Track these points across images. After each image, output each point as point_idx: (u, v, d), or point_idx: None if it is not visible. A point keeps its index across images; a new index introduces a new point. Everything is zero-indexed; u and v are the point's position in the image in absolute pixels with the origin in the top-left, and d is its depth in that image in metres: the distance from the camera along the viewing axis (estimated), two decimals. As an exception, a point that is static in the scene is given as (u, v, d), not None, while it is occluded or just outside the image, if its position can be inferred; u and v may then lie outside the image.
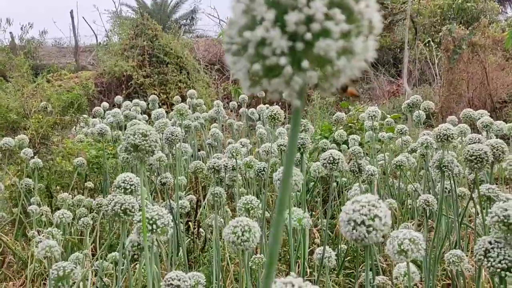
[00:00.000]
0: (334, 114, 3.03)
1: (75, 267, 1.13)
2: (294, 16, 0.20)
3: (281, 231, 0.26)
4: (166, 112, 3.76)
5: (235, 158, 1.47)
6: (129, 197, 0.98)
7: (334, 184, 2.53)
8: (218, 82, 8.67)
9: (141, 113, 3.93)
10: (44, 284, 1.88)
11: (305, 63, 0.21)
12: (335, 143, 3.02)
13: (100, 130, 2.25)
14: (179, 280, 0.93)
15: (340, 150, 2.93)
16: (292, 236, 1.56)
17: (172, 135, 1.50)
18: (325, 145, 2.69)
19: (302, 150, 1.21)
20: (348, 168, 1.92)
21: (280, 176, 0.96)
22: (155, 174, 2.25)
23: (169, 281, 0.93)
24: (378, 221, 0.62)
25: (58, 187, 2.73)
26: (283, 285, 0.49)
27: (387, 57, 11.07)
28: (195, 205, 2.02)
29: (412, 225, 2.16)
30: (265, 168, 1.53)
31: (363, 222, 0.62)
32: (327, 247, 1.17)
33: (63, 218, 1.76)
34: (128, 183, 1.08)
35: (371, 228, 0.62)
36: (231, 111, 4.34)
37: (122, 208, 0.96)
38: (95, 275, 1.70)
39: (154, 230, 0.82)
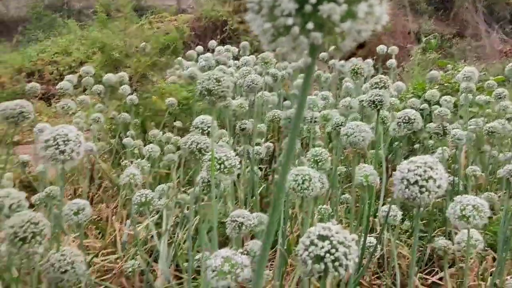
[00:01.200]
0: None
1: (157, 197, 1.25)
2: (300, -20, 0.22)
3: (289, 167, 0.29)
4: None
5: (312, 110, 1.49)
6: (205, 138, 1.05)
7: (417, 145, 2.45)
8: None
9: (232, 59, 4.01)
10: (133, 209, 2.10)
11: (309, 25, 0.23)
12: (426, 102, 2.88)
13: (190, 74, 2.37)
14: (243, 218, 1.00)
15: (431, 111, 2.80)
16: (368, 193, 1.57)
17: (253, 83, 1.54)
18: (413, 105, 2.58)
19: (378, 107, 1.19)
20: (432, 131, 1.85)
21: (347, 131, 0.96)
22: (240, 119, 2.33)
23: (234, 217, 1.01)
24: (432, 182, 0.62)
25: (152, 123, 2.95)
26: (321, 229, 0.53)
27: (503, 12, 9.95)
28: (272, 153, 2.08)
29: (499, 196, 2.04)
30: (342, 123, 1.52)
31: (416, 182, 0.62)
32: (394, 206, 1.17)
33: (151, 152, 1.93)
34: (205, 124, 1.15)
35: (423, 189, 0.62)
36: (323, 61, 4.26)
37: (197, 147, 1.04)
38: (179, 207, 1.86)
39: (222, 170, 0.89)
